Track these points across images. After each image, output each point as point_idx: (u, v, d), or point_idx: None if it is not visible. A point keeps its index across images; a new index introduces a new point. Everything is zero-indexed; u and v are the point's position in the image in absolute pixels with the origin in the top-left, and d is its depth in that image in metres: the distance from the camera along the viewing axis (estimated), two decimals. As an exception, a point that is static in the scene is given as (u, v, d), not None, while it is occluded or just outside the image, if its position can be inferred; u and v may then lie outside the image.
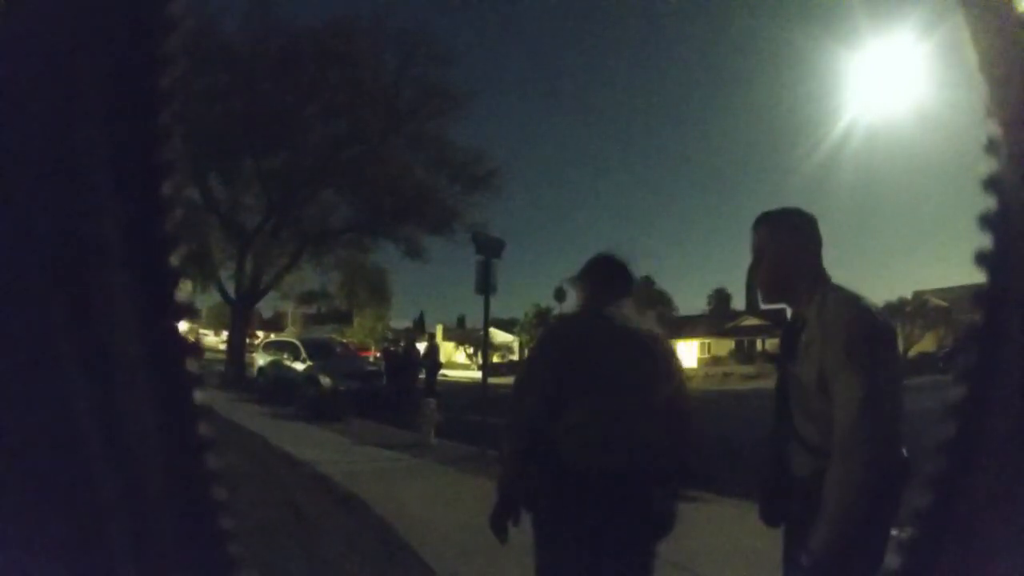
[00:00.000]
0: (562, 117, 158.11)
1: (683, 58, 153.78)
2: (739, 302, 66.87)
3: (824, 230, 2.08)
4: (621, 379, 2.35)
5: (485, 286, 10.81)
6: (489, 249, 11.10)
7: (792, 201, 1.93)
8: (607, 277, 2.60)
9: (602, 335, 2.41)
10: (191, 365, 0.50)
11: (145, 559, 0.49)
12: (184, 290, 0.50)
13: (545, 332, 2.70)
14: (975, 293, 0.47)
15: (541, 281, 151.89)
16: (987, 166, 0.48)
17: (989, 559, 0.50)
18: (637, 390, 2.35)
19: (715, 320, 59.81)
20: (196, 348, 0.52)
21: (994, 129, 0.47)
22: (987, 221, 0.47)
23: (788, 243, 2.07)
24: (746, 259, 2.19)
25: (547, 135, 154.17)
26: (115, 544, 0.48)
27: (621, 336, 2.41)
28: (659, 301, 69.48)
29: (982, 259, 0.47)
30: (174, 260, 0.49)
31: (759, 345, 51.07)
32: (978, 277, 0.49)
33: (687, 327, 59.47)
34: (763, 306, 2.24)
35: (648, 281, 76.05)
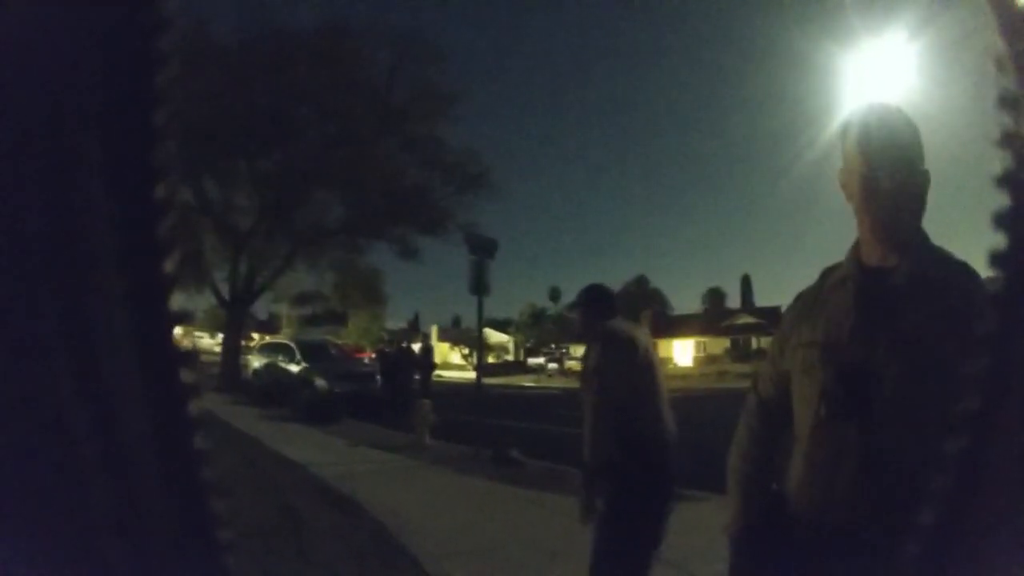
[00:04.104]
0: (555, 116, 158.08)
1: (675, 56, 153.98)
2: (733, 301, 67.18)
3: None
4: (650, 369, 3.20)
5: (478, 287, 10.80)
6: (482, 249, 11.09)
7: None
8: (604, 300, 3.48)
9: (641, 338, 3.25)
10: (186, 375, 0.49)
11: (141, 569, 0.48)
12: (178, 297, 0.49)
13: (614, 335, 3.19)
14: (988, 295, 0.45)
15: (535, 281, 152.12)
16: (1000, 161, 0.45)
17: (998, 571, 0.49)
18: (656, 377, 3.23)
19: (710, 319, 59.86)
20: (191, 357, 0.50)
21: (1008, 123, 0.45)
22: (1000, 219, 0.45)
23: None
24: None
25: (540, 134, 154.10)
26: (110, 556, 0.47)
27: (645, 339, 3.27)
28: (653, 300, 69.60)
29: (995, 260, 0.45)
30: (168, 266, 0.48)
31: (754, 343, 51.13)
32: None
33: (682, 326, 59.55)
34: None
35: (643, 280, 76.18)
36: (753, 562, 1.77)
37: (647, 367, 3.18)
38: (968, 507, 0.48)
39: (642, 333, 3.36)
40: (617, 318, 3.38)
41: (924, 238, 1.54)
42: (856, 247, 1.63)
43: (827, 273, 1.72)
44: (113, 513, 0.46)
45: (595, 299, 3.48)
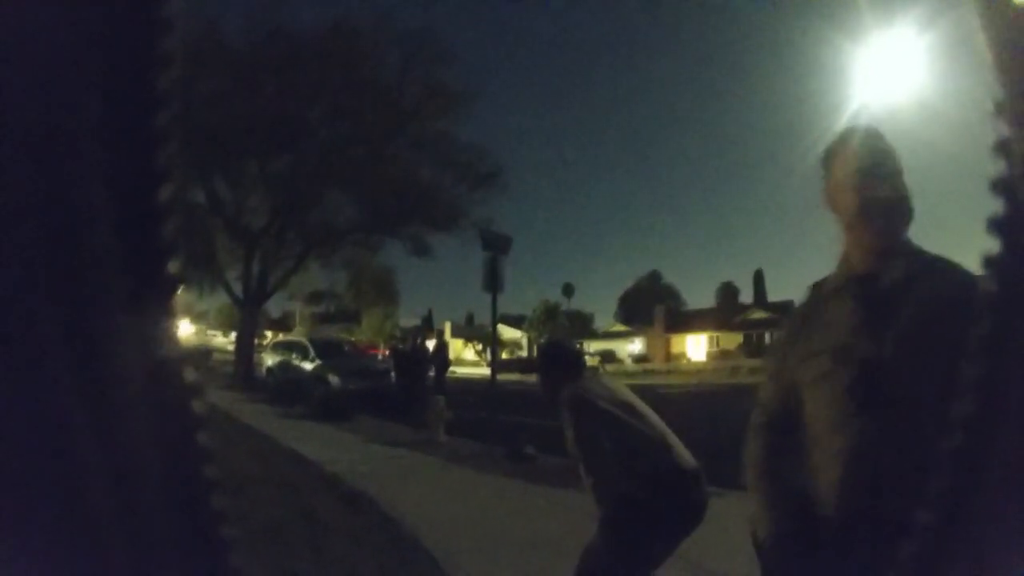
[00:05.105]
0: (567, 113, 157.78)
1: (686, 53, 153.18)
2: (746, 296, 66.88)
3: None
4: (632, 413, 3.01)
5: (492, 283, 10.80)
6: (496, 246, 11.09)
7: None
8: (564, 362, 3.27)
9: (606, 393, 3.06)
10: (189, 375, 0.49)
11: (143, 569, 0.49)
12: (183, 298, 0.50)
13: (580, 403, 2.97)
14: (981, 301, 0.45)
15: (549, 277, 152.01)
16: (995, 167, 0.45)
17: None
18: (643, 418, 3.03)
19: (723, 314, 59.62)
20: (195, 357, 0.51)
21: (1004, 129, 0.45)
22: (995, 224, 0.45)
23: None
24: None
25: (552, 131, 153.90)
26: (111, 554, 0.48)
27: (611, 391, 3.11)
28: (666, 295, 69.38)
29: (990, 264, 0.45)
30: (172, 268, 0.49)
31: (767, 338, 50.83)
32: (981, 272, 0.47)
33: (695, 321, 59.39)
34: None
35: (656, 275, 75.99)
36: (790, 567, 1.77)
37: (626, 412, 3.01)
38: (967, 505, 0.48)
39: (607, 384, 3.21)
40: (580, 379, 3.14)
41: (908, 241, 1.65)
42: (845, 258, 1.73)
43: (817, 287, 1.81)
44: (114, 512, 0.47)
45: (554, 363, 3.28)
